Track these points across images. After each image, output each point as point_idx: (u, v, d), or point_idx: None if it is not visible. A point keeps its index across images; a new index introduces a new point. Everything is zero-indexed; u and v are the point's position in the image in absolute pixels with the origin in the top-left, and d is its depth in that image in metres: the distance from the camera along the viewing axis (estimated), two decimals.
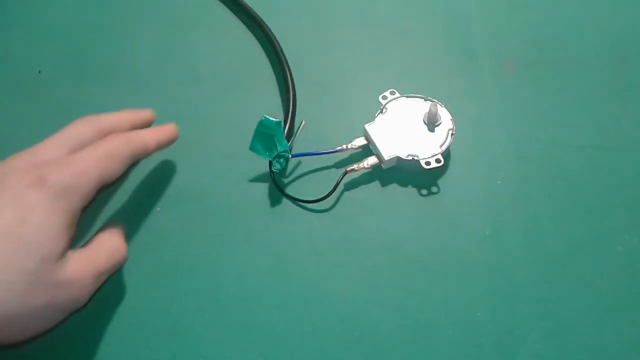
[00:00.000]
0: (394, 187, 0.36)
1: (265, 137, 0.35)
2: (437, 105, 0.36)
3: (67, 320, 0.28)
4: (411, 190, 0.36)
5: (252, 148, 0.35)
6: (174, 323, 0.32)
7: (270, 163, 0.35)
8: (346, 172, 0.35)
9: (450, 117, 0.36)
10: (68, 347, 0.31)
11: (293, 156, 0.36)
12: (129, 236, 0.34)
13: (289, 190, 0.35)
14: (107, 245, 0.31)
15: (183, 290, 0.33)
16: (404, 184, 0.36)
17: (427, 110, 0.36)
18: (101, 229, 0.32)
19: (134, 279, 0.33)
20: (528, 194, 0.36)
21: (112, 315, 0.32)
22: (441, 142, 0.36)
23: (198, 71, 0.41)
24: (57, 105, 0.39)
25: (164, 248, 0.34)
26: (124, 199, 0.36)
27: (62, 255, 0.27)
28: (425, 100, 0.37)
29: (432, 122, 0.36)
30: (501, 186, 0.36)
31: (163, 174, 0.37)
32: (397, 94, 0.37)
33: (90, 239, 0.31)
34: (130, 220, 0.35)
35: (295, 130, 0.36)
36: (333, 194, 0.35)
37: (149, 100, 0.38)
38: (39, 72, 0.41)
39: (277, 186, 0.35)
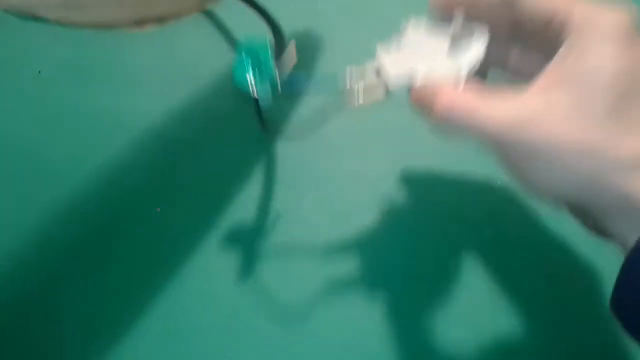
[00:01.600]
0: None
1: (248, 64, 0.29)
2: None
3: None
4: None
5: (236, 82, 0.29)
6: (171, 320, 0.32)
7: (256, 92, 0.29)
8: (348, 96, 0.28)
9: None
10: None
11: (284, 89, 0.29)
12: (128, 237, 0.34)
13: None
14: None
15: (181, 289, 0.33)
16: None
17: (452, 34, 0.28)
18: None
19: (134, 277, 0.33)
20: (528, 194, 0.36)
21: (115, 315, 0.32)
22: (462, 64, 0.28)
23: (198, 71, 0.41)
24: (57, 105, 0.39)
25: (163, 249, 0.34)
26: (124, 199, 0.36)
27: None
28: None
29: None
30: (501, 186, 0.36)
31: (162, 174, 0.37)
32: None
33: None
34: (130, 221, 0.35)
35: (284, 55, 0.29)
36: (330, 127, 0.34)
37: (148, 100, 0.38)
38: (39, 72, 0.41)
39: (261, 122, 0.34)
